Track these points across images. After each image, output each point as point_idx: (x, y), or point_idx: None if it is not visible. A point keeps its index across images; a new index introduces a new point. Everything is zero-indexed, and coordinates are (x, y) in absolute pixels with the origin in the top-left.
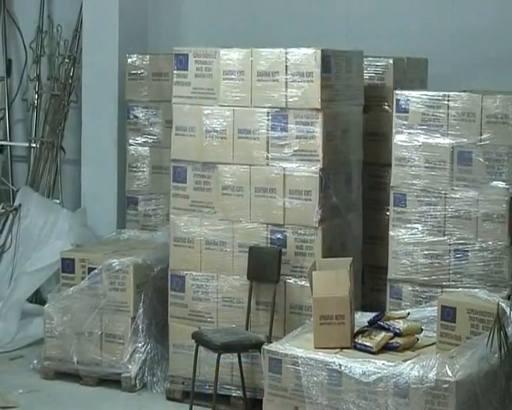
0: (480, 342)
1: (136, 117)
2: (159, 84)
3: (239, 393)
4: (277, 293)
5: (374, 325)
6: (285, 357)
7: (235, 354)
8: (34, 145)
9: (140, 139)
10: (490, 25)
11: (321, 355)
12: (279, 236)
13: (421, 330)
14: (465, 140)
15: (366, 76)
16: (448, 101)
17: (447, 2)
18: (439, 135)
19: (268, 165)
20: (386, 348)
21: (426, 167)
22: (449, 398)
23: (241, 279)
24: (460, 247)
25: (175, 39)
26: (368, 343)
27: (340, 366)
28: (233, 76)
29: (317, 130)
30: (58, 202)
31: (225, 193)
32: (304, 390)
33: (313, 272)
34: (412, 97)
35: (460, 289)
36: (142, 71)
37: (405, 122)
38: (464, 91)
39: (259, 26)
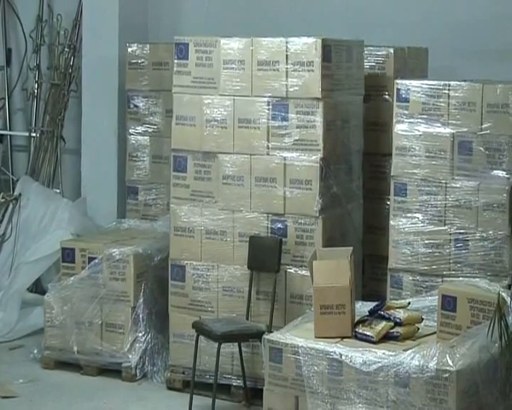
0: (481, 331)
1: (137, 106)
2: (159, 74)
3: (239, 382)
4: (278, 282)
5: (374, 314)
6: (285, 347)
7: (236, 344)
8: (34, 135)
9: (140, 129)
10: (491, 14)
11: (321, 345)
12: (279, 225)
13: (422, 319)
14: (465, 129)
15: (366, 65)
16: (449, 90)
17: None
18: (439, 124)
19: (268, 154)
20: (386, 338)
21: (426, 157)
22: (449, 387)
23: (241, 269)
24: (460, 236)
25: (175, 28)
26: (368, 333)
27: (341, 355)
28: (233, 65)
29: (318, 119)
30: (58, 191)
31: (226, 182)
32: (304, 380)
33: (314, 262)
34: (413, 87)
35: (460, 278)
36: (142, 60)
37: (406, 112)
38: (465, 81)
39: (260, 16)
